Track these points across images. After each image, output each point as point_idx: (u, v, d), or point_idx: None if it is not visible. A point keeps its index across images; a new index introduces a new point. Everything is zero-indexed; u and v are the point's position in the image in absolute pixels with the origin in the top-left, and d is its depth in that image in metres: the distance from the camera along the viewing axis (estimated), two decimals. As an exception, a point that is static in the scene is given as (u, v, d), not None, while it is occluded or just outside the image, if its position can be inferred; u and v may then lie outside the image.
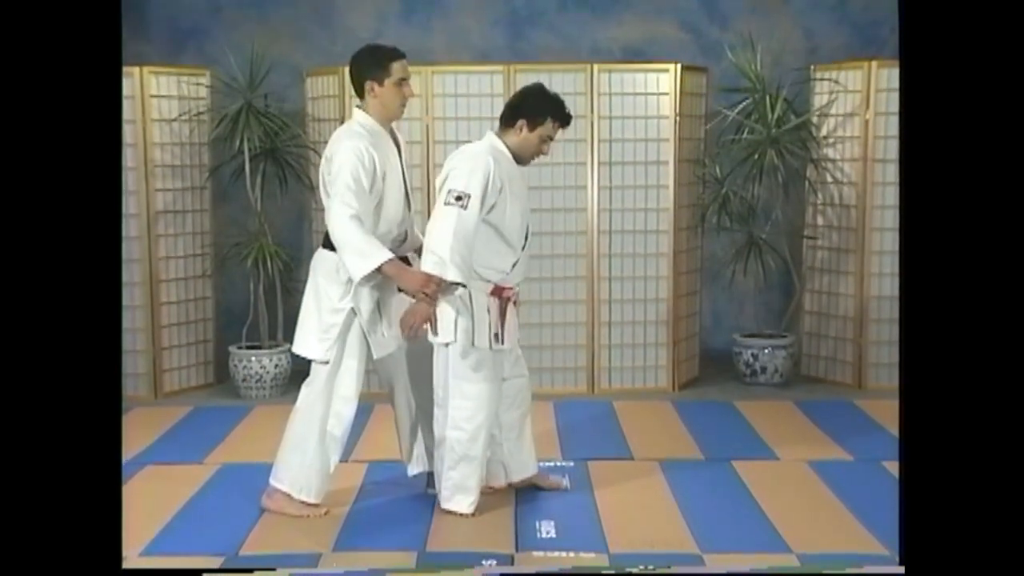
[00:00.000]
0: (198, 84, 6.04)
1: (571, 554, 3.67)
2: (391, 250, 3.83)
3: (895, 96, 5.56)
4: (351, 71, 4.01)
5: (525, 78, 5.30)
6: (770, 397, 5.91)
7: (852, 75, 6.03)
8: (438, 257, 3.75)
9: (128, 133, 5.78)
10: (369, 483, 4.43)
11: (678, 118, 5.95)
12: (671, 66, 5.97)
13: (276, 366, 5.98)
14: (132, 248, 5.81)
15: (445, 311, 3.87)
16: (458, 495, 4.00)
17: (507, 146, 3.97)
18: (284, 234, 6.44)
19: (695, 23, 6.62)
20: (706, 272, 6.55)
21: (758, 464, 4.66)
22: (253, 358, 5.97)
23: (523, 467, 4.23)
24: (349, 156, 3.80)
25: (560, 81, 5.52)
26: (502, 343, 3.94)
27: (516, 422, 4.17)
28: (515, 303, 4.04)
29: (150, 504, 4.13)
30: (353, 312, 3.92)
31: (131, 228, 5.80)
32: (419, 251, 3.95)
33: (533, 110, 3.96)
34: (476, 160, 3.86)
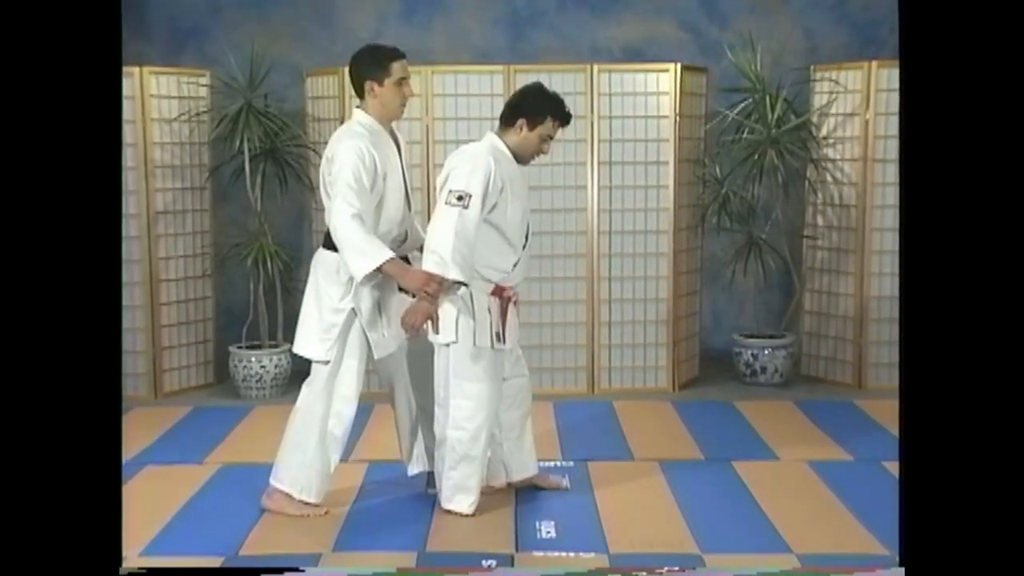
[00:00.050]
0: (198, 84, 6.04)
1: (571, 554, 3.67)
2: (392, 250, 3.83)
3: (895, 96, 5.56)
4: (351, 71, 4.01)
5: (525, 78, 5.29)
6: (770, 397, 5.91)
7: (852, 75, 6.03)
8: (439, 256, 3.75)
9: (128, 133, 5.78)
10: (369, 483, 4.43)
11: (678, 118, 5.95)
12: (671, 66, 5.97)
13: (276, 366, 5.98)
14: (132, 248, 5.81)
15: (446, 311, 3.87)
16: (459, 495, 4.00)
17: (507, 145, 3.98)
18: (284, 234, 6.44)
19: (695, 23, 6.62)
20: (706, 272, 6.55)
21: (758, 464, 4.66)
22: (253, 358, 5.97)
23: (523, 467, 4.23)
24: (350, 156, 3.80)
25: (560, 81, 5.52)
26: (503, 343, 3.94)
27: (517, 422, 4.17)
28: (515, 303, 4.04)
29: (150, 504, 4.13)
30: (354, 312, 3.92)
31: (131, 228, 5.80)
32: (421, 250, 3.95)
33: (533, 109, 3.96)
34: (477, 160, 3.86)
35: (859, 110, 6.00)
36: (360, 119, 3.95)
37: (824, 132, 6.13)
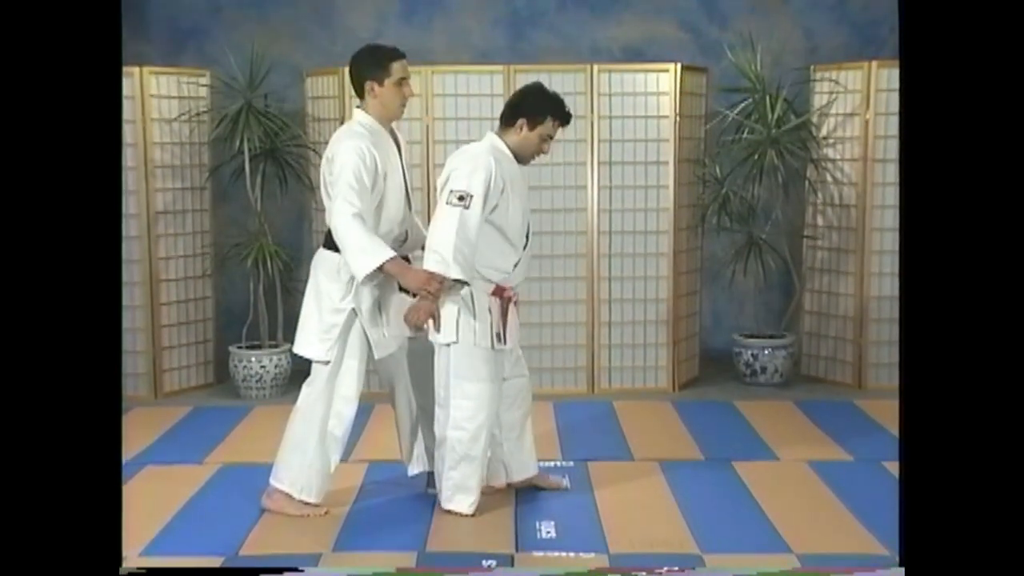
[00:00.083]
0: (198, 84, 6.04)
1: (571, 554, 3.67)
2: (393, 249, 3.83)
3: (895, 96, 5.56)
4: (351, 71, 4.01)
5: (525, 78, 5.29)
6: (770, 397, 5.91)
7: (852, 75, 6.03)
8: (440, 256, 3.75)
9: (128, 133, 5.78)
10: (369, 483, 4.43)
11: (678, 118, 5.95)
12: (671, 66, 5.97)
13: (276, 366, 5.98)
14: (132, 248, 5.81)
15: (447, 311, 3.87)
16: (459, 495, 4.00)
17: (508, 145, 3.98)
18: (284, 234, 6.44)
19: (695, 23, 6.62)
20: (706, 272, 6.55)
21: (758, 464, 4.66)
22: (253, 358, 5.97)
23: (523, 467, 4.23)
24: (351, 155, 3.80)
25: (560, 81, 5.51)
26: (504, 343, 3.95)
27: (517, 422, 4.17)
28: (516, 303, 4.04)
29: (150, 504, 4.13)
30: (354, 312, 3.92)
31: (131, 228, 5.81)
32: (422, 249, 3.96)
33: (533, 109, 3.96)
34: (477, 160, 3.86)
35: (859, 110, 6.00)
36: (360, 119, 3.95)
37: (824, 132, 6.13)
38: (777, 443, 4.97)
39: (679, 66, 5.97)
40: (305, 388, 4.03)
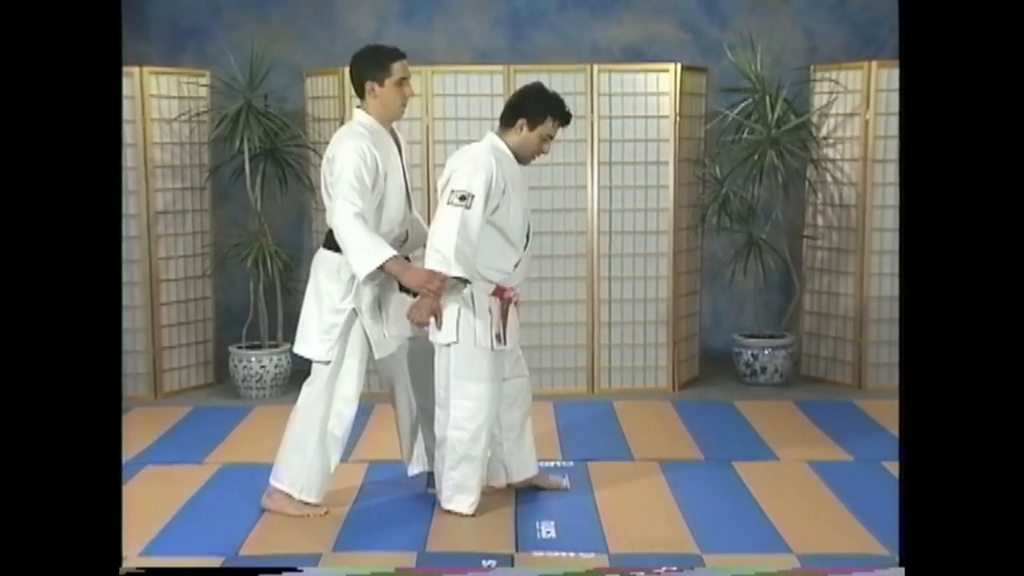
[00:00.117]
0: (198, 84, 6.04)
1: (571, 554, 3.67)
2: (393, 249, 3.83)
3: (895, 96, 5.56)
4: (351, 71, 4.01)
5: (525, 78, 5.29)
6: (770, 397, 5.91)
7: (852, 75, 6.03)
8: (442, 255, 3.75)
9: (128, 133, 5.78)
10: (369, 483, 4.43)
11: (678, 118, 5.95)
12: (671, 66, 5.97)
13: (276, 366, 5.98)
14: (132, 248, 5.81)
15: (447, 311, 3.87)
16: (459, 495, 4.00)
17: (508, 146, 3.98)
18: (284, 234, 6.44)
19: (695, 23, 6.62)
20: (706, 272, 6.55)
21: (758, 464, 4.66)
22: (253, 358, 5.97)
23: (523, 467, 4.23)
24: (351, 155, 3.80)
25: (560, 81, 5.51)
26: (504, 343, 3.95)
27: (517, 422, 4.17)
28: (516, 303, 4.04)
29: (150, 504, 4.13)
30: (354, 312, 3.92)
31: (131, 228, 5.81)
32: (424, 248, 3.96)
33: (533, 109, 3.96)
34: (478, 161, 3.87)
35: (859, 110, 6.00)
36: (361, 119, 3.95)
37: (824, 132, 6.13)
38: (777, 443, 4.97)
39: (679, 66, 5.97)
40: (305, 388, 4.03)
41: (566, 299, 6.02)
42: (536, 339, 5.89)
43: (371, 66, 3.95)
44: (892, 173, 5.78)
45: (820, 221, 6.26)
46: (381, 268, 3.78)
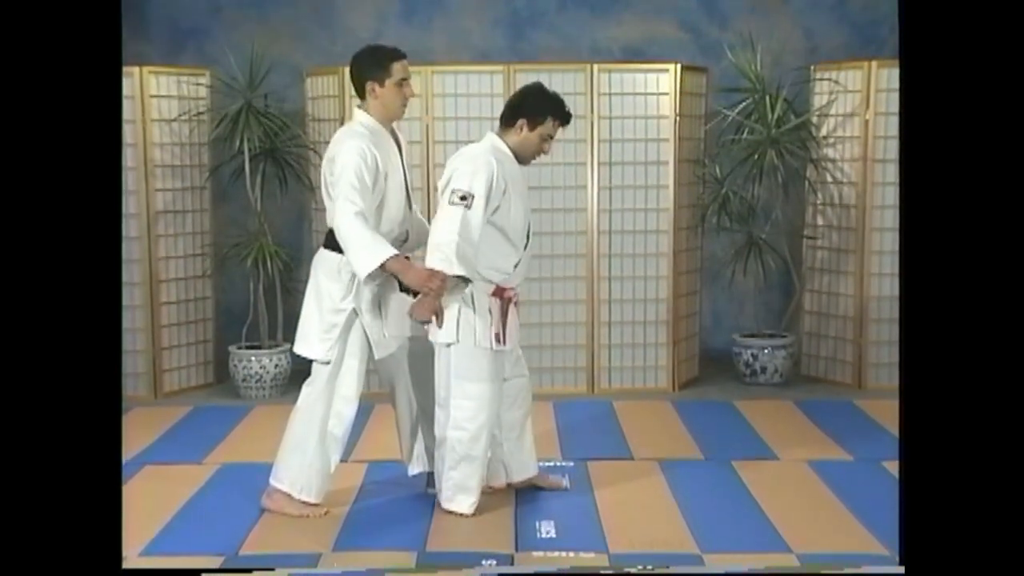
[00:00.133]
0: (198, 84, 6.04)
1: (571, 554, 3.67)
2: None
3: (895, 96, 5.56)
4: (352, 71, 4.01)
5: (525, 78, 5.29)
6: (770, 397, 5.91)
7: (852, 75, 6.03)
8: (443, 253, 3.75)
9: (128, 133, 5.78)
10: (369, 483, 4.43)
11: (678, 118, 5.95)
12: (671, 66, 5.97)
13: (276, 366, 5.98)
14: (132, 248, 5.81)
15: (447, 311, 3.87)
16: (459, 495, 4.00)
17: (508, 146, 3.98)
18: (284, 234, 6.44)
19: (695, 23, 6.62)
20: (706, 272, 6.55)
21: (758, 464, 4.66)
22: (253, 358, 5.97)
23: (523, 467, 4.23)
24: (352, 155, 3.80)
25: (560, 81, 5.51)
26: (503, 344, 3.94)
27: (517, 422, 4.17)
28: (516, 304, 4.04)
29: (150, 504, 4.13)
30: (355, 312, 3.92)
31: (131, 228, 5.81)
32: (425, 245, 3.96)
33: (533, 109, 3.96)
34: (479, 161, 3.87)
35: (859, 110, 6.00)
36: (361, 119, 3.95)
37: (824, 132, 6.13)
38: (777, 443, 4.97)
39: (679, 66, 5.97)
40: (305, 388, 4.03)
41: (566, 299, 6.02)
42: (536, 339, 5.89)
43: (371, 66, 3.95)
44: (892, 173, 5.78)
45: (820, 221, 6.26)
46: (382, 267, 3.77)
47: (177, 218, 6.05)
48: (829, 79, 6.10)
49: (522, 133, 3.96)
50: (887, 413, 5.02)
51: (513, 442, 4.18)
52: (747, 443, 5.02)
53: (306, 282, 4.06)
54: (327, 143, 4.01)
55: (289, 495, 4.03)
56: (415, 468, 4.26)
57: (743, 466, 4.61)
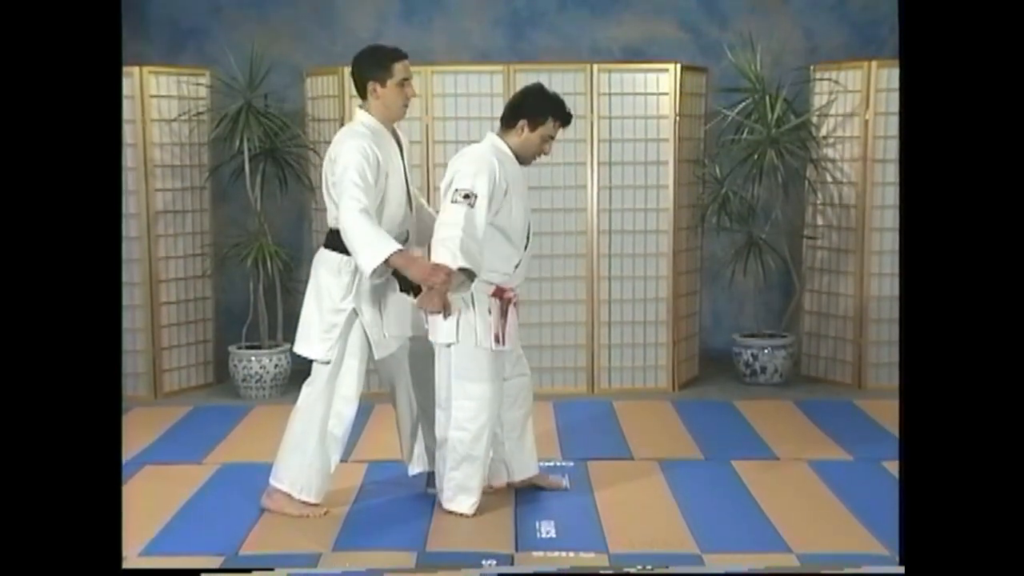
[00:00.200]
0: (198, 84, 6.04)
1: (571, 554, 3.67)
2: None
3: (895, 96, 5.56)
4: (353, 71, 4.01)
5: (525, 78, 5.30)
6: (770, 397, 5.91)
7: (852, 75, 6.03)
8: (446, 248, 3.75)
9: (128, 133, 5.78)
10: (369, 483, 4.43)
11: (678, 118, 5.95)
12: (671, 66, 5.97)
13: (276, 366, 5.98)
14: (132, 248, 5.81)
15: (442, 316, 3.86)
16: (460, 495, 4.00)
17: (509, 147, 3.98)
18: (284, 234, 6.44)
19: (695, 23, 6.62)
20: (706, 272, 6.55)
21: (758, 464, 4.66)
22: (253, 358, 5.97)
23: (524, 467, 4.23)
24: (354, 154, 3.80)
25: (560, 81, 5.52)
26: (503, 344, 3.94)
27: (518, 421, 4.17)
28: (516, 304, 4.04)
29: (150, 504, 4.13)
30: (355, 312, 3.92)
31: (131, 228, 5.80)
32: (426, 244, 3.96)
33: (533, 110, 3.96)
34: (480, 162, 3.87)
35: (859, 110, 6.00)
36: (362, 119, 3.95)
37: (824, 132, 6.13)
38: (777, 443, 4.97)
39: (679, 66, 5.97)
40: (305, 388, 4.03)
41: (566, 299, 6.02)
42: (536, 339, 5.89)
43: (373, 66, 3.95)
44: (892, 173, 5.78)
45: (820, 221, 6.26)
46: (386, 263, 3.76)
47: (177, 218, 6.05)
48: (829, 79, 6.10)
49: (523, 134, 3.96)
50: (887, 413, 5.02)
51: (514, 441, 4.18)
52: (747, 443, 5.02)
53: (306, 282, 4.06)
54: (327, 143, 4.01)
55: (289, 495, 4.03)
56: (415, 468, 4.26)
57: (743, 466, 4.61)
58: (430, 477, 4.19)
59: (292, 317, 4.78)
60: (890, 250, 5.87)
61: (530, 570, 3.56)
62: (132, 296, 5.87)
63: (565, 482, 4.38)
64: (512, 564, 3.60)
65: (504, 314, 3.95)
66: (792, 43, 6.54)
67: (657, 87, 5.95)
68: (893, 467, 4.33)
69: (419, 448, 4.24)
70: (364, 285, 3.91)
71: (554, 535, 3.85)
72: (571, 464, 4.66)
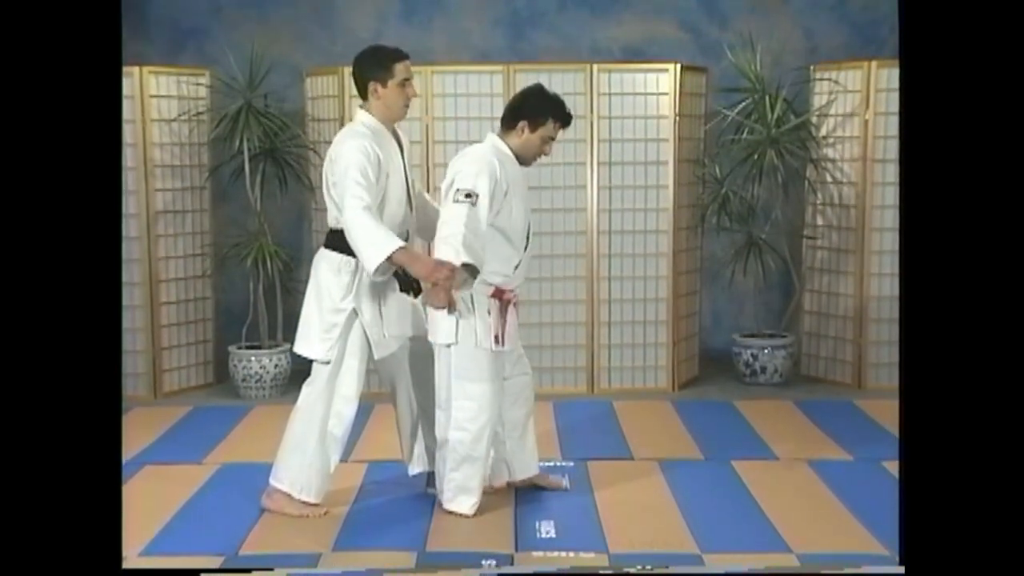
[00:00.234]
0: (198, 84, 6.04)
1: (571, 554, 3.67)
2: None
3: (895, 96, 5.56)
4: (354, 72, 4.01)
5: (525, 78, 5.30)
6: (770, 397, 5.91)
7: (852, 75, 6.03)
8: (449, 245, 3.75)
9: (128, 133, 5.78)
10: (369, 483, 4.43)
11: (678, 118, 5.95)
12: (671, 66, 5.97)
13: (276, 366, 5.98)
14: (132, 248, 5.81)
15: (447, 312, 3.86)
16: (461, 496, 4.00)
17: (509, 147, 3.98)
18: (284, 234, 6.44)
19: (695, 23, 6.62)
20: (706, 272, 6.55)
21: (758, 464, 4.66)
22: (253, 358, 5.97)
23: (526, 466, 4.23)
24: (355, 154, 3.80)
25: (560, 81, 5.52)
26: (502, 345, 3.94)
27: (520, 420, 4.17)
28: (515, 304, 4.04)
29: (150, 504, 4.13)
30: (355, 312, 3.92)
31: (131, 228, 5.81)
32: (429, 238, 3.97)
33: (534, 111, 3.96)
34: (481, 162, 3.87)
35: (859, 110, 6.00)
36: (363, 119, 3.95)
37: (824, 132, 6.13)
38: (777, 443, 4.98)
39: (679, 66, 5.97)
40: (305, 388, 4.03)
41: (566, 299, 6.02)
42: (536, 339, 5.88)
43: (374, 67, 3.95)
44: (892, 173, 5.78)
45: (820, 221, 6.26)
46: (389, 260, 3.76)
47: (177, 218, 6.05)
48: (829, 79, 6.10)
49: (523, 135, 3.96)
50: (887, 413, 5.02)
51: (516, 441, 4.18)
52: (747, 443, 5.02)
53: (306, 282, 4.06)
54: (327, 143, 4.01)
55: (289, 495, 4.03)
56: (415, 468, 4.26)
57: (743, 466, 4.61)
58: (430, 477, 4.19)
59: (292, 317, 4.78)
60: (890, 250, 5.87)
61: (530, 570, 3.56)
62: (132, 296, 5.87)
63: (565, 482, 4.38)
64: (512, 564, 3.60)
65: (504, 315, 3.95)
66: (792, 43, 6.54)
67: (657, 87, 5.95)
68: (893, 467, 4.33)
69: (419, 448, 4.24)
70: (364, 285, 3.91)
71: (554, 535, 3.86)
72: (571, 464, 4.66)
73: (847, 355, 6.17)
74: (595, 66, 5.95)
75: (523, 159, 4.01)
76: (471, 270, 3.79)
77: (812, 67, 6.25)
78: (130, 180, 5.82)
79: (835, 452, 4.84)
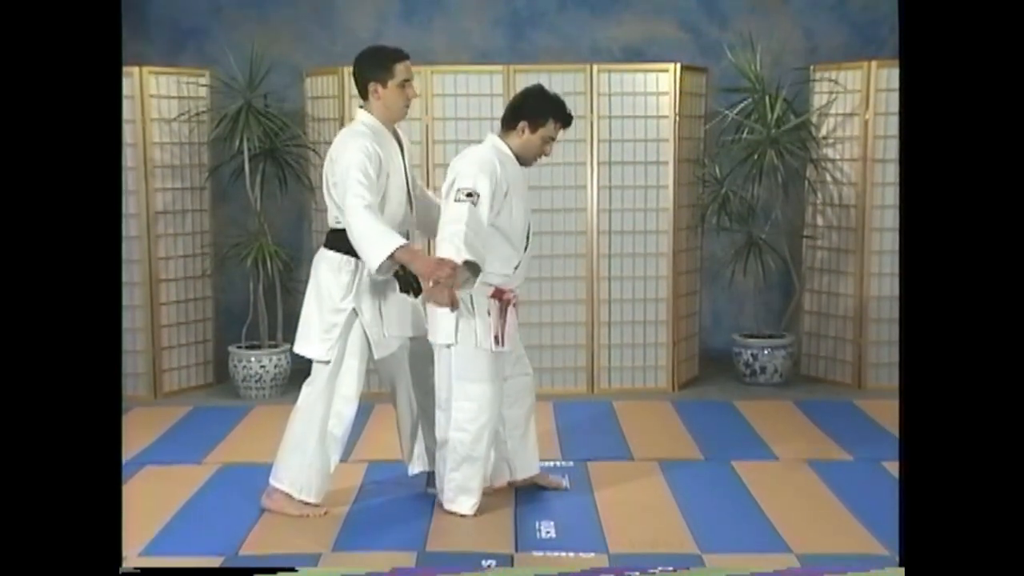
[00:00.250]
0: (198, 84, 6.04)
1: (571, 554, 3.67)
2: None
3: (895, 96, 5.56)
4: (355, 72, 4.01)
5: (525, 78, 5.30)
6: (770, 397, 5.91)
7: (852, 75, 6.03)
8: (451, 243, 3.75)
9: (128, 133, 5.78)
10: (369, 483, 4.43)
11: (678, 118, 5.95)
12: (671, 66, 5.97)
13: (276, 366, 5.98)
14: (132, 248, 5.81)
15: (446, 313, 3.86)
16: (461, 496, 4.00)
17: (510, 148, 3.98)
18: (284, 234, 6.44)
19: (695, 23, 6.62)
20: (706, 272, 6.55)
21: (758, 464, 4.66)
22: (253, 358, 5.97)
23: (526, 466, 4.23)
24: (356, 153, 3.80)
25: (560, 81, 5.52)
26: (502, 345, 3.94)
27: (521, 420, 4.17)
28: (515, 305, 4.04)
29: (150, 504, 4.13)
30: (355, 312, 3.92)
31: (131, 228, 5.80)
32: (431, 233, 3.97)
33: (534, 111, 3.96)
34: (482, 162, 3.87)
35: (859, 110, 6.00)
36: (364, 120, 3.95)
37: (824, 132, 6.13)
38: (777, 443, 4.97)
39: (679, 66, 5.97)
40: (305, 388, 4.03)
41: (566, 299, 6.02)
42: (536, 339, 5.88)
43: (374, 67, 3.95)
44: (892, 173, 5.78)
45: (820, 221, 6.26)
46: (391, 258, 3.75)
47: (177, 218, 6.05)
48: (829, 79, 6.10)
49: (523, 135, 3.96)
50: (887, 413, 5.02)
51: (517, 440, 4.18)
52: (747, 443, 5.02)
53: (306, 282, 4.06)
54: (327, 143, 4.02)
55: (289, 495, 4.03)
56: (415, 468, 4.26)
57: (743, 466, 4.61)
58: (430, 477, 4.19)
59: (292, 317, 4.78)
60: (890, 250, 5.87)
61: (530, 570, 3.56)
62: (132, 296, 5.87)
63: (565, 482, 4.38)
64: (512, 564, 3.59)
65: (503, 315, 3.95)
66: (792, 43, 6.54)
67: (657, 87, 5.95)
68: (893, 467, 4.33)
69: (419, 448, 4.24)
70: (364, 285, 3.91)
71: (554, 535, 3.85)
72: (571, 464, 4.66)
73: (847, 355, 6.17)
74: (595, 66, 5.95)
75: (523, 159, 4.01)
76: (473, 268, 3.79)
77: (812, 67, 6.25)
78: (130, 180, 5.82)
79: (835, 452, 4.84)
